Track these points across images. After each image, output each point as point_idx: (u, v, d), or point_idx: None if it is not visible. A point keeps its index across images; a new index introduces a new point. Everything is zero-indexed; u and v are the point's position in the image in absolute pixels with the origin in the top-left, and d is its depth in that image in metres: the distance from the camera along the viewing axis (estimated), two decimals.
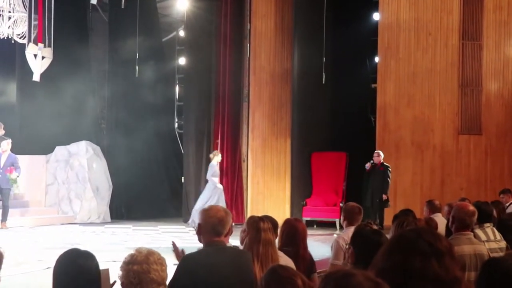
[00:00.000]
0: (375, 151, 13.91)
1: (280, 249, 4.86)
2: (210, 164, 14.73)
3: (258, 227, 4.37)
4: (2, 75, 17.07)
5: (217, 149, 16.15)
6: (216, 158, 14.70)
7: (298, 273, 3.06)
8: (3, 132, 15.11)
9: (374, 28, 15.65)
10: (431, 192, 13.95)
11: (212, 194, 14.47)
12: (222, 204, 13.73)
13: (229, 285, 3.79)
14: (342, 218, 6.06)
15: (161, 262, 3.19)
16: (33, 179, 16.07)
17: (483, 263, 2.28)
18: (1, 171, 14.02)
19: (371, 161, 13.66)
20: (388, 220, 12.62)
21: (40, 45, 14.11)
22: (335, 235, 12.95)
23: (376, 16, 15.72)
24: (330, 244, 6.20)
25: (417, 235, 2.02)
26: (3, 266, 3.16)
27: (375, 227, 5.17)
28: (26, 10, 14.37)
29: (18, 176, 14.21)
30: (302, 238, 5.02)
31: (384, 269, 1.97)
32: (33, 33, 14.19)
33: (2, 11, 14.63)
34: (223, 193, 14.69)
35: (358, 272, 1.79)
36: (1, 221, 13.91)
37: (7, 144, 14.42)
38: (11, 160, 14.24)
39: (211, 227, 3.88)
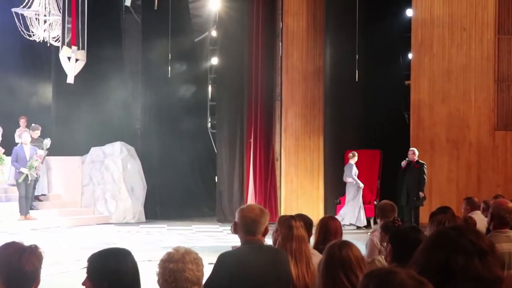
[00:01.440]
0: (410, 149, 13.76)
1: (316, 246, 4.84)
2: (349, 165, 14.70)
3: (290, 224, 4.37)
4: (38, 77, 17.36)
5: (250, 149, 16.18)
6: (354, 159, 14.69)
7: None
8: (38, 134, 15.33)
9: (407, 24, 15.49)
10: (467, 189, 13.74)
11: (358, 193, 14.54)
12: (359, 202, 14.35)
13: (266, 283, 3.79)
14: (376, 216, 6.03)
15: (197, 262, 3.19)
16: (69, 180, 16.27)
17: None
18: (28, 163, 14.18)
19: (407, 159, 13.52)
20: (422, 218, 12.48)
21: (74, 47, 14.27)
22: (369, 233, 12.85)
23: (409, 12, 15.56)
24: (365, 242, 6.17)
25: (459, 233, 1.98)
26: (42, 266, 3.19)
27: (400, 223, 5.12)
28: (60, 13, 14.55)
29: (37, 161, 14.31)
30: (338, 236, 5.00)
31: (425, 267, 1.94)
32: (67, 36, 14.37)
33: (38, 15, 14.86)
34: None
35: (401, 270, 1.78)
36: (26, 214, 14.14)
37: (29, 135, 14.62)
38: (33, 151, 14.42)
39: (245, 226, 3.90)
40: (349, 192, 14.73)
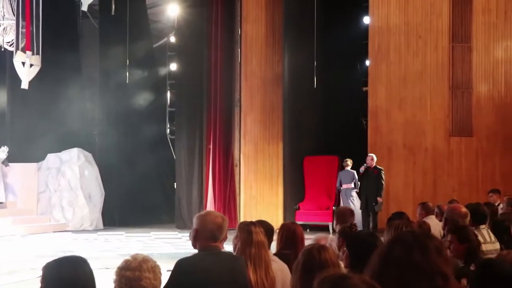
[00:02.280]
0: (369, 155, 13.90)
1: (279, 252, 4.85)
2: (347, 171, 14.48)
3: (250, 230, 4.38)
4: None
5: (209, 155, 16.15)
6: (350, 165, 14.55)
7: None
8: None
9: (364, 31, 15.68)
10: (424, 194, 13.96)
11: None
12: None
13: (228, 285, 3.79)
14: (334, 221, 6.07)
15: (155, 270, 3.16)
16: (24, 187, 16.00)
17: (478, 264, 2.30)
18: None
19: (365, 164, 13.65)
20: (380, 223, 12.62)
21: (28, 52, 14.05)
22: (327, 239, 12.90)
23: (366, 20, 15.76)
24: None
25: (410, 234, 2.06)
26: None
27: (357, 229, 5.18)
28: (15, 17, 14.32)
29: None
30: (301, 241, 5.02)
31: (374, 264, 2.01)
32: (21, 41, 14.14)
33: None
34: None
35: (354, 275, 1.81)
36: None
37: None
38: None
39: (210, 233, 3.88)
40: (354, 198, 14.42)
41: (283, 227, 5.19)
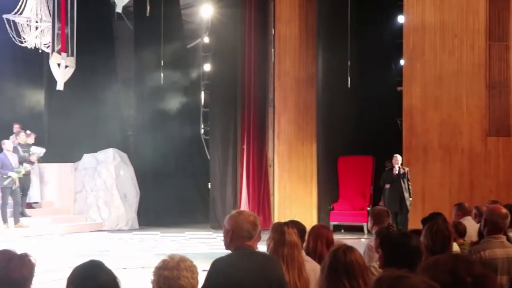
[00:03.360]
0: (396, 155, 13.75)
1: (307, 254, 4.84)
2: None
3: (282, 230, 4.38)
4: (30, 84, 17.32)
5: (243, 155, 16.19)
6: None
7: None
8: (33, 141, 15.33)
9: (399, 30, 15.54)
10: (460, 195, 13.77)
11: None
12: None
13: (260, 287, 3.80)
14: (370, 222, 6.03)
15: (192, 270, 3.18)
16: (61, 187, 16.24)
17: None
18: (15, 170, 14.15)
19: (398, 165, 13.55)
20: (413, 224, 12.50)
21: (63, 54, 14.24)
22: (362, 240, 12.88)
23: (400, 19, 15.62)
24: (358, 249, 6.15)
25: (448, 271, 2.01)
26: (34, 274, 3.17)
27: (394, 229, 5.14)
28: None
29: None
30: (328, 243, 4.99)
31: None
32: (57, 42, 14.34)
33: (30, 21, 14.84)
34: None
35: (413, 274, 1.79)
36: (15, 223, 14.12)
37: (12, 143, 14.64)
38: (17, 158, 14.43)
39: (244, 232, 3.90)
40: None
41: (312, 230, 5.17)
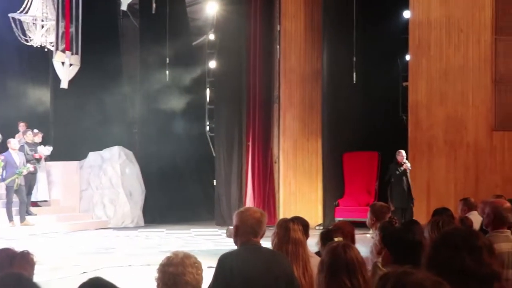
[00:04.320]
0: (400, 151, 13.80)
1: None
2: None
3: (288, 226, 4.39)
4: (36, 83, 17.36)
5: (248, 152, 16.19)
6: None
7: None
8: (40, 139, 15.37)
9: (404, 26, 15.49)
10: (465, 190, 13.74)
11: None
12: None
13: (265, 284, 3.81)
14: (370, 219, 5.94)
15: (197, 266, 3.19)
16: (67, 185, 16.27)
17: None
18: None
19: (405, 161, 13.57)
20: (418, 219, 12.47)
21: (68, 52, 14.22)
22: (368, 235, 12.85)
23: (406, 14, 15.56)
24: (364, 244, 6.13)
25: (453, 231, 2.00)
26: (37, 272, 3.18)
27: (397, 223, 5.10)
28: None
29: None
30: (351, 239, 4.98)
31: (431, 266, 1.96)
32: (62, 41, 14.34)
33: (35, 20, 14.85)
34: None
35: (418, 270, 1.78)
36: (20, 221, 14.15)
37: (18, 142, 14.66)
38: (22, 157, 14.41)
39: (250, 228, 3.93)
40: None
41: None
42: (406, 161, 13.59)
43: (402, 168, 13.59)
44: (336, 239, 4.22)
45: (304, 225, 4.78)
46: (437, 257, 1.96)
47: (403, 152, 13.72)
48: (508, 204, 4.76)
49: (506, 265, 4.42)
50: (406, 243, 3.52)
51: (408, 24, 15.09)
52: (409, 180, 13.62)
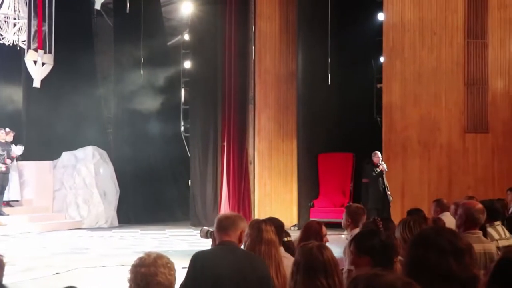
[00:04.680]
0: (376, 152, 13.86)
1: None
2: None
3: (260, 227, 4.41)
4: (8, 82, 17.15)
5: (223, 153, 16.18)
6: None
7: None
8: (11, 139, 15.19)
9: (378, 28, 15.61)
10: (439, 191, 13.89)
11: None
12: None
13: (238, 281, 3.83)
14: (345, 220, 5.96)
15: (170, 266, 3.19)
16: (40, 185, 16.11)
17: (498, 260, 2.24)
18: None
19: (381, 162, 13.65)
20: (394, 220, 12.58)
21: (40, 51, 14.08)
22: (343, 236, 12.92)
23: (380, 16, 15.69)
24: (339, 245, 6.17)
25: (436, 233, 2.02)
26: (9, 272, 3.15)
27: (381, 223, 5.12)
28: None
29: None
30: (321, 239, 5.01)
31: (404, 264, 1.97)
32: (34, 39, 14.19)
33: (7, 18, 14.68)
34: None
35: (388, 272, 1.79)
36: None
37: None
38: None
39: (219, 223, 4.01)
40: None
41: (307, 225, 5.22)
42: (382, 162, 13.67)
43: (378, 170, 13.66)
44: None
45: (278, 226, 4.78)
46: (420, 261, 1.97)
47: (379, 153, 13.81)
48: (480, 206, 4.81)
49: (478, 266, 4.47)
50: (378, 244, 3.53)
51: (382, 26, 15.21)
52: (385, 181, 13.67)
